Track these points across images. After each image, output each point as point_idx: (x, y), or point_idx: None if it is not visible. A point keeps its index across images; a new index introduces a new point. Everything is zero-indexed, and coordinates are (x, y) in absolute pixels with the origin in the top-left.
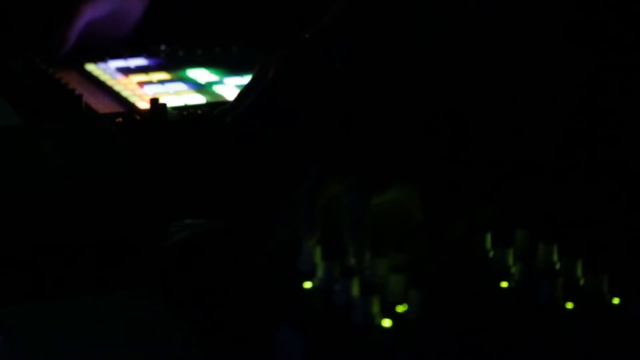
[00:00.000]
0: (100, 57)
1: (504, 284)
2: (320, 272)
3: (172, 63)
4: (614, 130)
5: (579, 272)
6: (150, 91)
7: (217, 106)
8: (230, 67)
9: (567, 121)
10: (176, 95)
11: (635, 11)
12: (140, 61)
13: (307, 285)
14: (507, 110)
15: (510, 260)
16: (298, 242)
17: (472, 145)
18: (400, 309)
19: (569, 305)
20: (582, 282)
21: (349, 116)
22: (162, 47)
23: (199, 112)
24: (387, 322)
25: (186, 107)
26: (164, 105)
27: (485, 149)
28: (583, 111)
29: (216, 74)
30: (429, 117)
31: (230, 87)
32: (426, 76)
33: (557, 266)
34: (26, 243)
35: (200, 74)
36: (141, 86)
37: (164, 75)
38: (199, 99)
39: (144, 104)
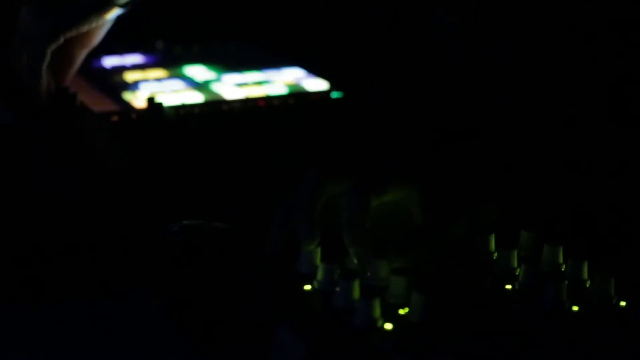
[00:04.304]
0: (94, 54)
1: (508, 286)
2: (320, 275)
3: (169, 60)
4: (620, 131)
5: (585, 274)
6: (147, 89)
7: (214, 104)
8: (228, 65)
9: (572, 121)
10: (173, 93)
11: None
12: (136, 58)
13: (307, 287)
14: (509, 110)
15: (515, 262)
16: (297, 244)
17: (474, 145)
18: (402, 311)
19: (575, 308)
20: (588, 284)
21: (348, 116)
22: (159, 44)
23: (196, 110)
24: (388, 325)
25: (183, 106)
26: (161, 103)
27: (487, 150)
28: (586, 112)
29: (214, 71)
30: (429, 118)
31: (228, 85)
32: (426, 76)
33: (563, 268)
34: (26, 243)
35: (198, 72)
36: (137, 84)
37: (160, 73)
38: (197, 97)
39: (140, 103)
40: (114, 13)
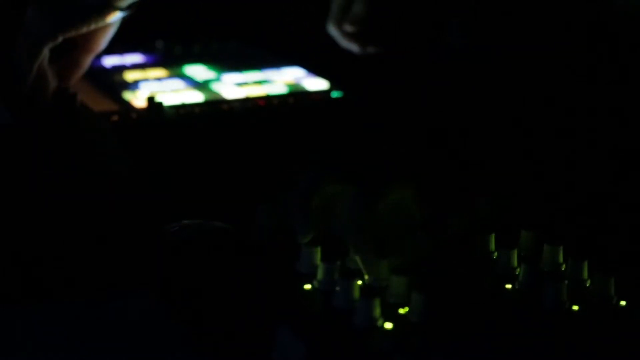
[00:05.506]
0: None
1: (508, 286)
2: (320, 274)
3: (169, 60)
4: (621, 130)
5: (585, 273)
6: (147, 89)
7: (214, 104)
8: (228, 64)
9: (572, 121)
10: (173, 92)
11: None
12: (136, 58)
13: (307, 287)
14: (509, 110)
15: (515, 262)
16: (297, 244)
17: (474, 145)
18: (402, 311)
19: (575, 308)
20: (588, 284)
21: (348, 116)
22: (159, 44)
23: (196, 110)
24: (388, 325)
25: (183, 105)
26: (161, 103)
27: (487, 149)
28: (587, 112)
29: (214, 71)
30: (429, 117)
31: (228, 85)
32: (426, 75)
33: (563, 268)
34: (26, 243)
35: (198, 71)
36: (137, 84)
37: (160, 72)
38: (197, 97)
39: (140, 102)
40: (115, 16)
